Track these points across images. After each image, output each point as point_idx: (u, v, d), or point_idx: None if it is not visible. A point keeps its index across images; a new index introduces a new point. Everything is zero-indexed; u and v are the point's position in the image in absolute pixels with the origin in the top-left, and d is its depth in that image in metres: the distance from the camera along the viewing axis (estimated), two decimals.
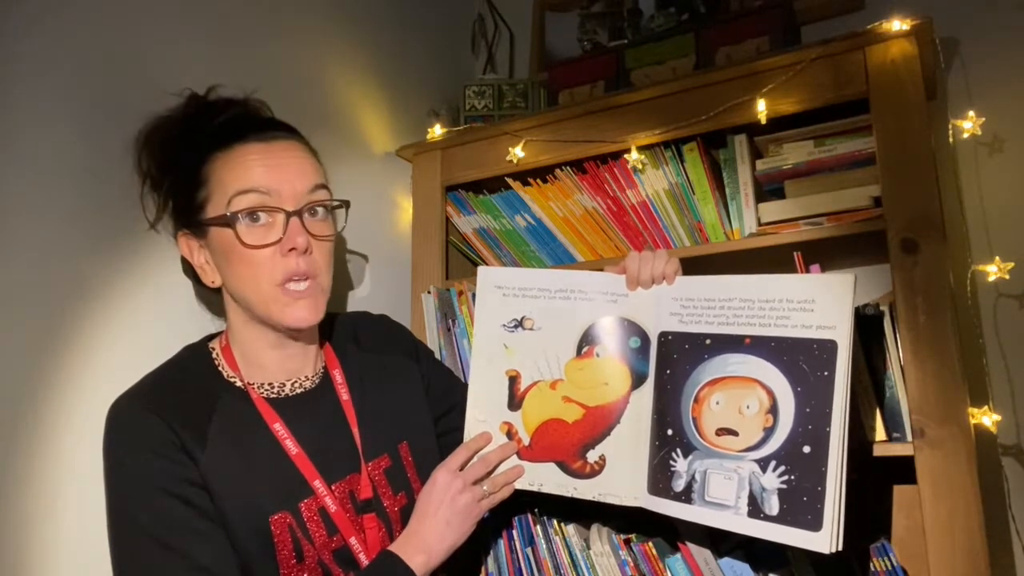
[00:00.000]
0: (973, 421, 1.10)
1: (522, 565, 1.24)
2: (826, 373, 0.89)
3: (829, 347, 0.89)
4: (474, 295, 1.25)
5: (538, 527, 1.24)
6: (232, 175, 0.92)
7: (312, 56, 1.50)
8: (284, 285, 0.92)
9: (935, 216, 1.12)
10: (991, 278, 1.21)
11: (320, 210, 0.97)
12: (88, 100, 1.05)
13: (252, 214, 0.91)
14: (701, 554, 1.09)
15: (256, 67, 1.30)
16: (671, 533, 1.15)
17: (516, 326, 1.09)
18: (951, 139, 1.34)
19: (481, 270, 1.12)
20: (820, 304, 0.91)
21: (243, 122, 0.98)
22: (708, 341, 0.98)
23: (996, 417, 1.13)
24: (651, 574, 1.14)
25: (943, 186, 1.33)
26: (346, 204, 1.02)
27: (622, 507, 1.04)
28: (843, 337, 0.89)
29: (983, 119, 1.23)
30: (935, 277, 1.11)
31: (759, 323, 0.95)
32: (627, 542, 1.17)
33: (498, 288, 1.11)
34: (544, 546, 1.23)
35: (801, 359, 0.91)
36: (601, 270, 1.09)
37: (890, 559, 1.10)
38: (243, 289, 0.94)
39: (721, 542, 1.10)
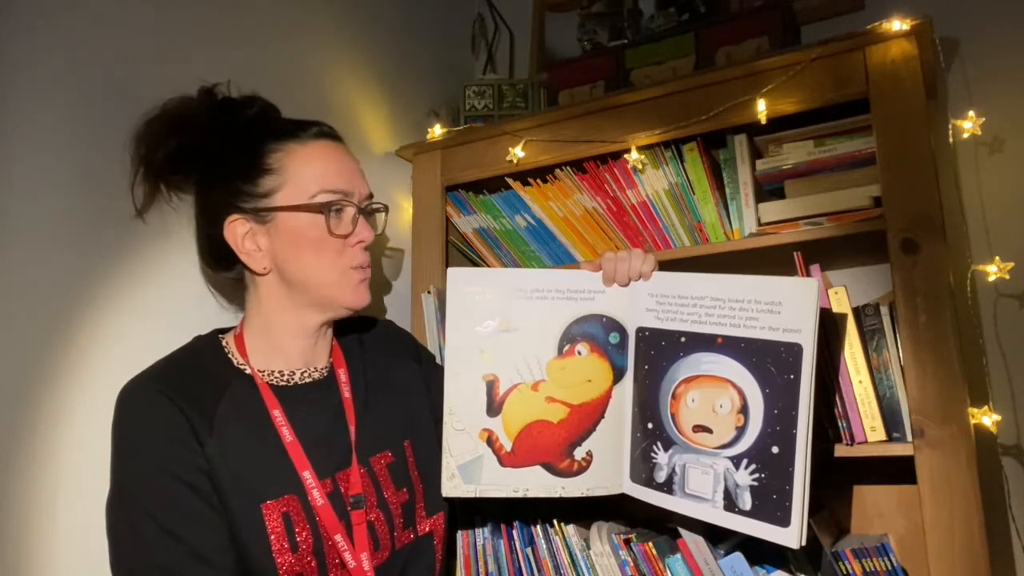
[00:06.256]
0: (973, 421, 1.10)
1: (522, 565, 1.24)
2: (792, 376, 0.91)
3: (795, 350, 0.91)
4: None
5: (538, 527, 1.25)
6: (317, 169, 1.00)
7: (312, 56, 1.50)
8: (354, 269, 1.03)
9: (935, 216, 1.12)
10: (991, 278, 1.21)
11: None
12: (89, 97, 1.06)
13: (338, 208, 1.00)
14: (701, 554, 1.09)
15: (256, 67, 1.30)
16: (671, 533, 1.15)
17: (491, 329, 1.06)
18: (951, 139, 1.34)
19: (451, 272, 1.07)
20: (786, 307, 0.92)
21: (308, 120, 1.06)
22: (683, 339, 1.01)
23: (996, 417, 1.13)
24: (651, 574, 1.14)
25: (943, 186, 1.32)
26: (386, 208, 1.12)
27: (613, 502, 1.04)
28: (808, 341, 0.90)
29: (983, 119, 1.22)
30: (935, 277, 1.11)
31: (729, 323, 0.97)
32: (627, 542, 1.17)
33: (470, 290, 1.07)
34: (544, 546, 1.23)
35: (769, 361, 0.93)
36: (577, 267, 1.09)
37: (890, 559, 1.10)
38: (312, 272, 1.00)
39: (721, 542, 1.10)
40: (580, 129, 1.45)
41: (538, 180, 1.49)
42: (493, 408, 1.06)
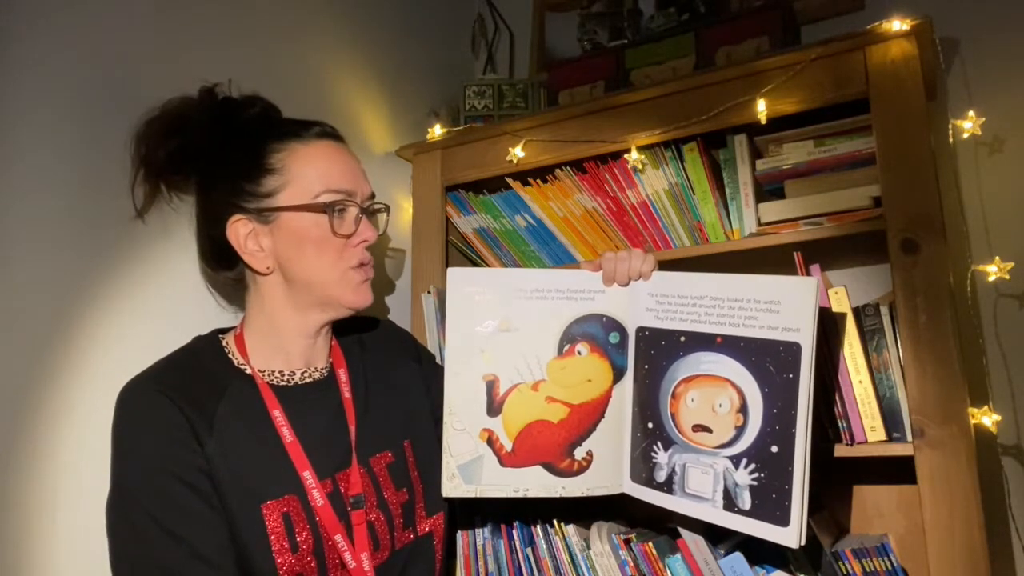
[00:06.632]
0: (973, 421, 1.10)
1: (522, 565, 1.24)
2: (791, 375, 0.91)
3: (794, 350, 0.91)
4: None
5: (538, 527, 1.25)
6: (320, 169, 1.00)
7: (312, 56, 1.50)
8: (355, 269, 1.03)
9: (935, 216, 1.12)
10: (991, 278, 1.21)
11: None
12: (89, 97, 1.06)
13: (341, 208, 1.01)
14: (701, 554, 1.09)
15: (256, 67, 1.30)
16: (671, 533, 1.15)
17: (491, 329, 1.06)
18: (951, 139, 1.34)
19: (451, 272, 1.07)
20: (785, 306, 0.92)
21: (310, 120, 1.06)
22: (683, 338, 1.01)
23: (996, 417, 1.13)
24: (651, 574, 1.14)
25: (943, 186, 1.32)
26: (388, 208, 1.13)
27: (613, 502, 1.04)
28: (807, 340, 0.90)
29: (983, 119, 1.23)
30: (935, 277, 1.11)
31: (728, 322, 0.97)
32: (627, 542, 1.17)
33: (470, 290, 1.06)
34: (544, 546, 1.23)
35: (768, 360, 0.93)
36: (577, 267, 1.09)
37: (890, 559, 1.10)
38: (313, 272, 1.00)
39: (721, 542, 1.10)
40: (580, 129, 1.45)
41: (538, 180, 1.49)
42: (493, 408, 1.06)
